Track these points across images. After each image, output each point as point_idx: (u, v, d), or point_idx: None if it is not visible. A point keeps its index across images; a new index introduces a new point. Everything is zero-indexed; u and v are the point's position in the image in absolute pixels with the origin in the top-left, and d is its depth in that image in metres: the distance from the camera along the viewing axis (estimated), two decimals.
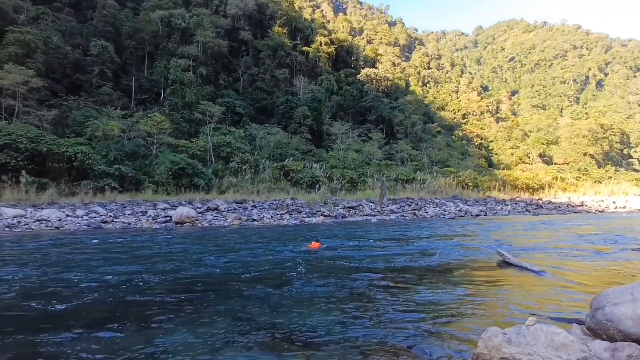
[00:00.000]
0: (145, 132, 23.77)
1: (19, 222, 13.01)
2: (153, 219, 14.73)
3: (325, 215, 17.56)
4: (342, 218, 17.53)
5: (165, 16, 37.21)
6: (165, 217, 14.98)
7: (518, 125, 78.24)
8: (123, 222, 14.09)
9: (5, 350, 3.36)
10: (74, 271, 6.46)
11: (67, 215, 14.37)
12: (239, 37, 45.67)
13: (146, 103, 32.43)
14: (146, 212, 15.86)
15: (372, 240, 10.43)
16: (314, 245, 8.64)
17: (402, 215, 19.00)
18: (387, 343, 3.52)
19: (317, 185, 25.61)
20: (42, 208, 15.47)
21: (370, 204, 21.84)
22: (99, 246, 9.21)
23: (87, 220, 13.91)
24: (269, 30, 48.92)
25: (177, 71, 31.62)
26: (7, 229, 12.26)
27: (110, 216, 14.85)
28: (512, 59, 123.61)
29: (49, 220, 13.35)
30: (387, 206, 21.48)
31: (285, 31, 50.13)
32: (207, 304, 4.73)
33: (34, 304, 4.63)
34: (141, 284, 5.73)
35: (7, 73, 21.93)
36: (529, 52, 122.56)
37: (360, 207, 20.62)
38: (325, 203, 21.12)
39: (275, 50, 45.92)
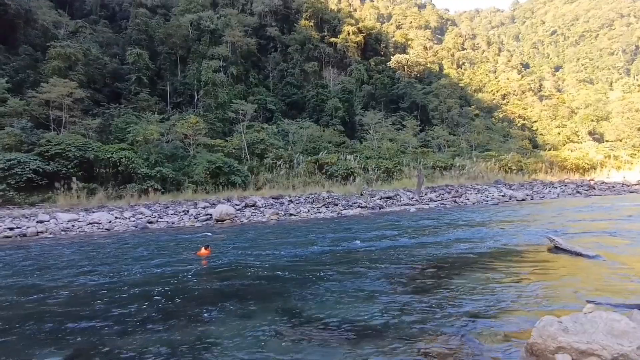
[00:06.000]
0: (182, 134, 24.34)
1: (73, 225, 13.55)
2: (195, 218, 14.90)
3: (362, 207, 17.19)
4: (380, 209, 17.07)
5: (194, 19, 37.95)
6: (206, 215, 15.10)
7: (564, 103, 72.30)
8: (167, 221, 14.34)
9: (66, 343, 3.49)
10: (114, 271, 6.42)
11: (116, 218, 14.83)
12: (267, 33, 45.72)
13: (181, 106, 33.36)
14: (188, 211, 16.13)
15: (413, 230, 10.10)
16: (203, 252, 7.56)
17: (442, 204, 18.37)
18: (436, 332, 3.42)
19: (352, 177, 25.15)
20: (93, 211, 16.13)
21: (408, 193, 21.30)
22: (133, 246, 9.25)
23: (134, 221, 14.27)
24: (295, 25, 48.56)
25: (208, 72, 32.14)
26: (62, 232, 12.80)
27: (155, 216, 15.17)
28: (554, 32, 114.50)
29: (100, 223, 13.80)
30: (426, 195, 20.85)
31: (311, 24, 49.50)
32: (253, 297, 4.75)
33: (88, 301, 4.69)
34: (186, 278, 5.76)
35: (53, 86, 23.24)
36: (572, 24, 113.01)
37: (398, 196, 20.15)
38: (361, 194, 20.71)
39: (303, 44, 45.46)
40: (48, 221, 13.86)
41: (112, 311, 4.41)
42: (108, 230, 13.10)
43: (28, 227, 12.71)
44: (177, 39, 36.01)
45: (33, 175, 18.28)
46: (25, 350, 3.46)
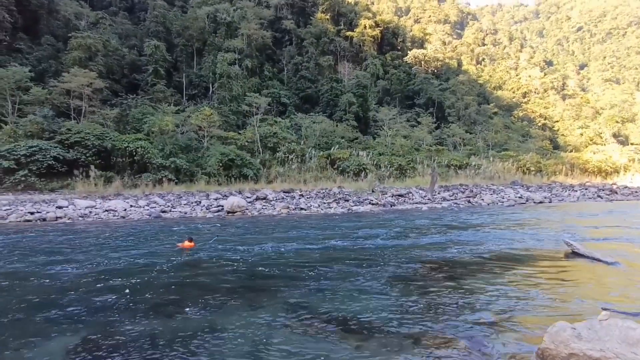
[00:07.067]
0: (197, 126, 24.63)
1: (90, 212, 13.92)
2: (207, 209, 15.09)
3: (373, 204, 17.11)
4: (391, 206, 16.93)
5: (211, 12, 38.17)
6: (218, 206, 15.26)
7: (588, 103, 69.78)
8: (180, 211, 14.57)
9: (80, 330, 3.54)
10: (128, 257, 6.57)
11: (131, 206, 15.15)
12: (282, 26, 45.57)
13: (196, 98, 33.74)
14: (200, 202, 16.36)
15: (424, 229, 10.00)
16: (187, 244, 7.47)
17: (455, 203, 18.11)
18: (442, 334, 3.37)
19: (364, 173, 25.03)
20: (109, 199, 16.57)
21: (421, 191, 21.04)
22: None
23: (148, 210, 14.54)
24: (311, 18, 48.22)
25: (223, 65, 32.34)
26: (80, 218, 13.19)
27: (169, 206, 15.46)
28: (579, 28, 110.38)
29: (115, 210, 14.12)
30: (439, 193, 20.56)
31: (328, 17, 49.04)
32: (264, 288, 4.81)
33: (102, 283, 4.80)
34: (201, 269, 5.83)
35: (74, 76, 23.89)
36: (599, 21, 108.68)
37: (410, 194, 19.92)
38: (372, 191, 20.58)
39: (319, 38, 45.13)
40: (67, 207, 14.30)
41: (115, 299, 4.44)
42: (123, 218, 13.39)
43: (48, 212, 13.13)
44: (194, 31, 36.32)
45: (53, 162, 18.90)
46: (38, 331, 3.55)
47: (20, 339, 3.37)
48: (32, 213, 13.06)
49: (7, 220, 12.33)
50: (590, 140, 55.58)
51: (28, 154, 18.34)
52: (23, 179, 17.90)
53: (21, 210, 13.43)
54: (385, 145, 31.93)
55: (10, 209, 13.51)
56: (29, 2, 29.92)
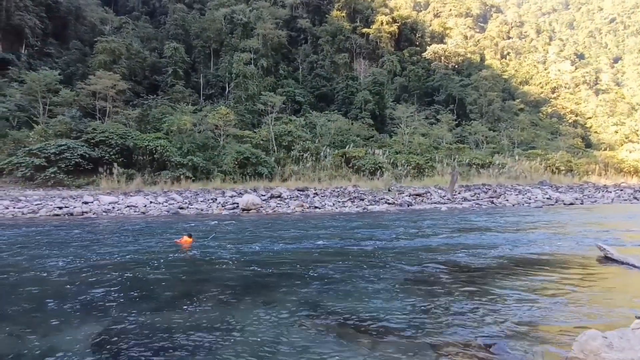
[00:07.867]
0: (213, 125, 25.19)
1: (113, 207, 14.57)
2: (222, 206, 15.43)
3: (389, 203, 16.85)
4: (408, 206, 16.61)
5: (227, 13, 38.98)
6: (233, 204, 15.58)
7: (623, 98, 66.01)
8: (197, 208, 14.98)
9: (82, 326, 3.55)
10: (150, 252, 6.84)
11: (151, 202, 15.73)
12: (298, 25, 45.84)
13: (213, 97, 34.56)
14: (216, 200, 16.74)
15: (442, 230, 9.70)
16: (185, 240, 7.30)
17: (477, 203, 17.49)
18: (464, 339, 3.19)
19: (380, 172, 24.72)
20: (131, 195, 17.22)
21: (440, 191, 20.51)
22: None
23: (167, 206, 15.05)
24: (327, 16, 48.22)
25: (239, 65, 32.93)
26: (104, 213, 13.82)
27: (186, 203, 15.92)
28: (612, 20, 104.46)
29: (136, 206, 14.71)
30: (459, 193, 19.96)
31: (343, 14, 48.87)
32: (276, 286, 4.84)
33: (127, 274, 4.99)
34: (217, 264, 5.98)
35: (99, 78, 25.08)
36: (633, 12, 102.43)
37: (428, 194, 19.46)
38: (389, 190, 20.28)
39: (334, 35, 45.06)
40: (92, 202, 15.02)
41: (119, 294, 4.52)
42: (143, 213, 13.90)
43: (75, 207, 13.83)
44: (211, 33, 37.20)
45: (80, 160, 19.91)
46: (58, 322, 3.66)
47: (33, 329, 3.47)
48: (60, 208, 13.78)
49: (38, 214, 13.11)
50: (626, 138, 52.69)
51: (57, 152, 19.39)
52: (53, 175, 18.94)
53: (50, 205, 14.20)
54: (403, 144, 31.43)
55: (41, 204, 14.34)
56: (58, 9, 31.62)
